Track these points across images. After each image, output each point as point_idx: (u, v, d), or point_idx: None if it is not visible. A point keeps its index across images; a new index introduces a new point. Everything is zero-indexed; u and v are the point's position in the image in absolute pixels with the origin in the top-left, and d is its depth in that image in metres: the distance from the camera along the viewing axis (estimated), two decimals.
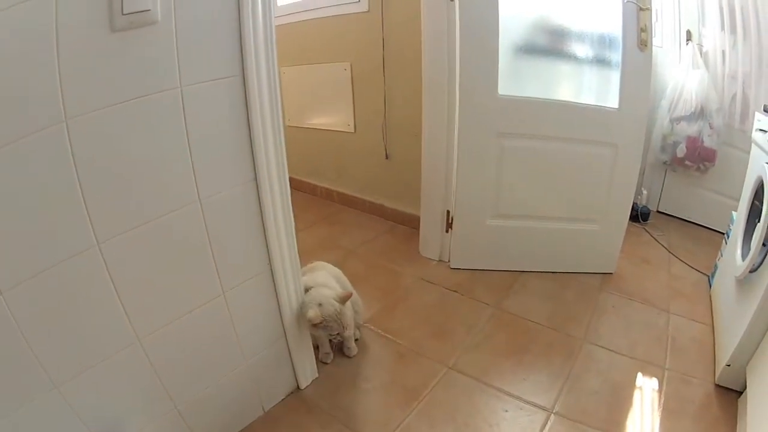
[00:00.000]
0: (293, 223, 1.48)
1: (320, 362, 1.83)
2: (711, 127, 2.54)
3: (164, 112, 1.08)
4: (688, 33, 2.64)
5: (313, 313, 1.51)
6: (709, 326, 1.92)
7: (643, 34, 1.88)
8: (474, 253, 2.44)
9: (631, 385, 1.66)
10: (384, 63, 2.70)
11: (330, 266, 1.88)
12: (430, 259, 2.59)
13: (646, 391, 1.63)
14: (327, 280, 1.74)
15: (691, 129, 2.55)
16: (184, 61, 1.07)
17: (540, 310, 2.06)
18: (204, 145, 1.17)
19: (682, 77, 2.63)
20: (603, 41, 2.02)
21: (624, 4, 1.88)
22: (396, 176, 2.95)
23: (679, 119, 2.61)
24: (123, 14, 0.92)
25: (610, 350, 1.77)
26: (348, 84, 2.96)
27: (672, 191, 2.90)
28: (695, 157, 2.60)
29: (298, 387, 1.73)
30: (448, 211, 2.44)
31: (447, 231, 2.49)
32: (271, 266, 1.46)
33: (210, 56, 1.13)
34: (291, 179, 1.44)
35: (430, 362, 1.83)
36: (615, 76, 2.00)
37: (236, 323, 1.43)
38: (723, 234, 2.24)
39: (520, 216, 2.32)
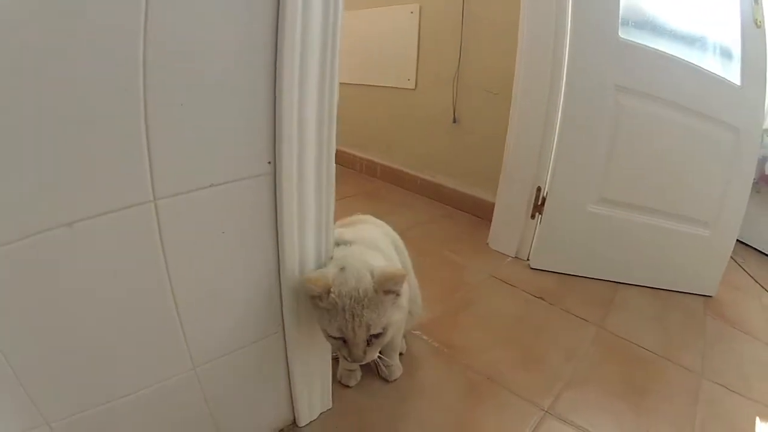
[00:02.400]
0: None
1: (338, 384, 1.17)
2: None
3: (125, 243, 0.66)
4: None
5: (316, 275, 0.84)
6: None
7: (756, 11, 1.62)
8: (565, 250, 1.86)
9: None
10: (464, 3, 2.14)
11: (382, 224, 1.19)
12: (503, 254, 1.96)
13: None
14: (377, 240, 1.06)
15: None
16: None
17: (650, 335, 1.58)
18: (202, 294, 0.78)
19: None
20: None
21: None
22: (463, 146, 2.34)
23: None
24: None
25: (729, 390, 1.38)
26: (414, 30, 2.41)
27: (748, 216, 2.35)
28: None
29: (294, 423, 1.05)
30: (539, 188, 1.81)
31: (533, 216, 1.86)
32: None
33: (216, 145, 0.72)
34: None
35: (516, 401, 1.20)
36: (730, 52, 1.69)
37: None
38: None
39: (626, 205, 1.80)
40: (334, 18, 0.74)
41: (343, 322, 0.83)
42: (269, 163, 0.76)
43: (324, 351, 1.04)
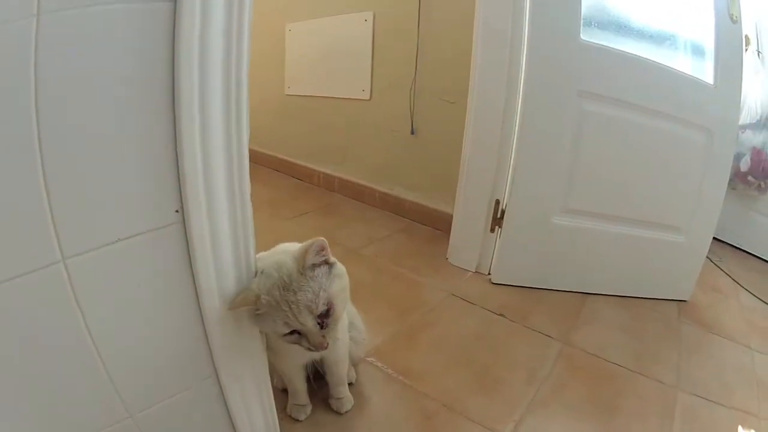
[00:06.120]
0: None
1: (288, 418, 1.10)
2: None
3: (40, 304, 0.63)
4: (746, 38, 2.34)
5: (239, 296, 0.78)
6: None
7: (732, 6, 1.59)
8: (528, 263, 1.80)
9: None
10: (420, 9, 2.10)
11: None
12: (462, 269, 1.91)
13: None
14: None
15: (756, 139, 2.36)
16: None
17: (620, 348, 1.52)
18: (125, 346, 0.75)
19: (744, 85, 2.25)
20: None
21: None
22: (422, 158, 2.29)
23: (743, 128, 2.37)
24: None
25: (707, 400, 1.33)
26: (368, 38, 2.36)
27: (724, 213, 2.38)
28: (759, 172, 2.35)
29: None
30: (497, 201, 1.76)
31: (492, 230, 1.81)
32: None
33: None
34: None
35: (474, 429, 1.14)
36: (702, 50, 1.67)
37: None
38: None
39: (595, 215, 1.74)
40: (238, 46, 0.70)
41: (284, 316, 0.78)
42: (177, 211, 0.72)
43: (266, 387, 0.97)
